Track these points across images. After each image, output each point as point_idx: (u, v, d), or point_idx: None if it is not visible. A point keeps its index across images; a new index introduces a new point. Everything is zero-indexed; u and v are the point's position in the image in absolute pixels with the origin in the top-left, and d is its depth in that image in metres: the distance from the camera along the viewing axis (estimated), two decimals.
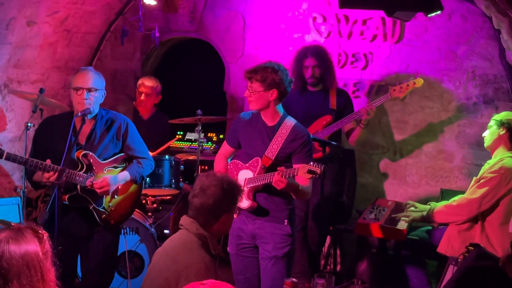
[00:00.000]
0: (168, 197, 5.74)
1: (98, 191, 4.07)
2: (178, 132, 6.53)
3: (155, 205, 5.60)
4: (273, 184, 3.73)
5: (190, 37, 6.86)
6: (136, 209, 5.36)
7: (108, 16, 6.59)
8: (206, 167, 6.11)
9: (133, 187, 4.38)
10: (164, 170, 5.42)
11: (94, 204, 4.14)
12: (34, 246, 2.15)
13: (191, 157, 5.86)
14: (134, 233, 5.25)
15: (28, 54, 5.78)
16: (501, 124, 4.54)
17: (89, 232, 4.21)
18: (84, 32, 6.40)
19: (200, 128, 5.50)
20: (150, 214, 5.55)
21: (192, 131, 5.72)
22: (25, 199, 4.74)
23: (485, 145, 4.69)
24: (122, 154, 4.31)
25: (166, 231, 5.97)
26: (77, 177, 4.05)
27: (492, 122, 4.63)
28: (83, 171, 4.08)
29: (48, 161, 3.93)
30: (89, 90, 4.04)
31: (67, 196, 4.04)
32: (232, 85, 6.59)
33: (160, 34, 6.16)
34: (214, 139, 6.59)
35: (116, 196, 4.25)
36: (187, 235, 3.15)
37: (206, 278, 2.65)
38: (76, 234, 4.19)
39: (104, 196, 4.17)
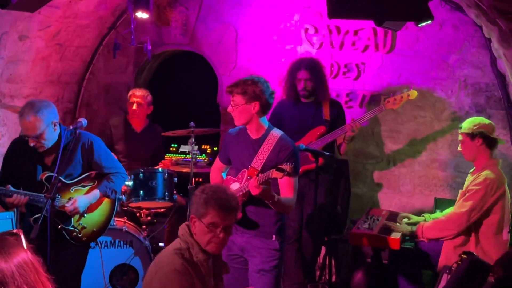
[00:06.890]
0: (162, 210, 5.71)
1: (69, 213, 4.14)
2: (172, 145, 6.52)
3: (149, 218, 5.57)
4: (249, 188, 3.72)
5: (183, 49, 6.88)
6: (130, 222, 5.37)
7: (101, 30, 6.60)
8: (200, 180, 6.11)
9: (105, 203, 4.40)
10: (157, 183, 5.41)
11: (61, 224, 4.17)
12: (20, 250, 2.11)
13: (184, 170, 5.85)
14: (128, 246, 5.23)
15: (21, 69, 5.78)
16: (474, 135, 4.52)
17: (60, 249, 4.16)
18: (77, 46, 6.41)
19: (193, 140, 5.49)
20: (144, 227, 5.52)
21: (186, 143, 5.71)
22: (18, 214, 4.72)
23: (466, 158, 4.69)
24: (90, 172, 4.33)
25: (160, 244, 5.94)
26: (42, 199, 4.06)
27: (462, 136, 4.60)
28: (47, 192, 4.08)
29: (8, 186, 4.02)
30: (36, 137, 4.05)
31: (32, 218, 4.07)
32: (225, 97, 6.58)
33: (153, 47, 6.19)
34: (208, 151, 6.56)
35: (85, 215, 4.26)
36: (177, 240, 3.13)
37: (174, 284, 2.63)
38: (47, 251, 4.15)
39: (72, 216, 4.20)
